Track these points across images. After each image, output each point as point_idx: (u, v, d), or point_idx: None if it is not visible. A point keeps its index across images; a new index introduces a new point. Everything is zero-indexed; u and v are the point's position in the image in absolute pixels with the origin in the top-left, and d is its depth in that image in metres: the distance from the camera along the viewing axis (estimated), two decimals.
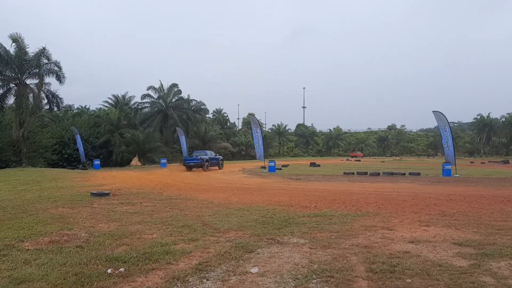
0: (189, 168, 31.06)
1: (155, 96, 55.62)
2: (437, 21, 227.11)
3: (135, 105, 57.99)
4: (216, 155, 35.81)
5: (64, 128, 45.30)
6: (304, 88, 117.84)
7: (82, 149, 39.57)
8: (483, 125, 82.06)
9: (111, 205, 10.85)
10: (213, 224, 8.03)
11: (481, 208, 10.29)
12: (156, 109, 55.28)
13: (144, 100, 56.11)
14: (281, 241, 6.49)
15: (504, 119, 79.32)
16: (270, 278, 4.62)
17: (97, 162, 36.71)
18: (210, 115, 77.81)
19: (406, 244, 6.27)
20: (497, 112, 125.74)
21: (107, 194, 13.10)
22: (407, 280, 4.48)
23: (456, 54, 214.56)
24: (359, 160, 57.62)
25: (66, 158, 41.97)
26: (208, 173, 27.46)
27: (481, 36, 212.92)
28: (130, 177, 23.05)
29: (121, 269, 4.89)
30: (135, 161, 44.37)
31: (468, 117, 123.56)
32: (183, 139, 44.49)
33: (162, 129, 54.21)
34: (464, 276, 4.60)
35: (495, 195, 13.37)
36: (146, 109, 56.40)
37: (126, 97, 59.76)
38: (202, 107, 61.67)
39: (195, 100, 60.93)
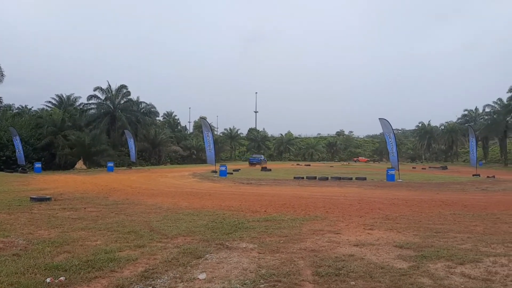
0: (253, 165, 49.66)
1: (103, 97, 53.72)
2: (384, 35, 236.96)
3: (81, 106, 55.75)
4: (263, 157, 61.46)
5: (2, 128, 42.70)
6: (256, 93, 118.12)
7: (22, 151, 37.48)
8: (424, 132, 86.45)
9: (52, 211, 10.37)
10: (161, 229, 7.89)
11: (421, 212, 10.83)
12: (103, 110, 53.40)
13: (90, 101, 53.97)
14: (230, 246, 6.49)
15: (443, 127, 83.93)
16: (218, 284, 4.61)
17: (38, 165, 34.88)
18: (160, 118, 76.54)
19: (351, 247, 6.48)
20: (436, 121, 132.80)
21: (48, 199, 12.50)
22: (351, 282, 4.63)
23: (400, 66, 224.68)
24: (309, 165, 58.79)
25: (4, 161, 39.54)
26: (158, 177, 26.92)
27: (422, 50, 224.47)
28: (74, 181, 22.15)
29: (62, 278, 4.68)
30: (79, 164, 42.69)
31: (411, 125, 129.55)
32: (131, 142, 43.43)
33: (110, 132, 52.51)
34: (404, 278, 4.81)
35: (434, 199, 14.11)
36: (93, 111, 54.32)
37: (71, 97, 57.27)
38: (152, 109, 60.38)
39: (145, 102, 59.58)
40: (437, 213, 10.56)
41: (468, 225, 8.75)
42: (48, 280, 4.61)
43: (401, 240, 7.05)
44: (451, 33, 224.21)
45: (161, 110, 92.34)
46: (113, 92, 53.99)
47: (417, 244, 6.70)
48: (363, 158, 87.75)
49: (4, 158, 39.77)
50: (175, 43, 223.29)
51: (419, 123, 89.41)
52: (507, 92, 56.55)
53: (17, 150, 37.69)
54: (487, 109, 63.91)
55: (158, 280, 4.72)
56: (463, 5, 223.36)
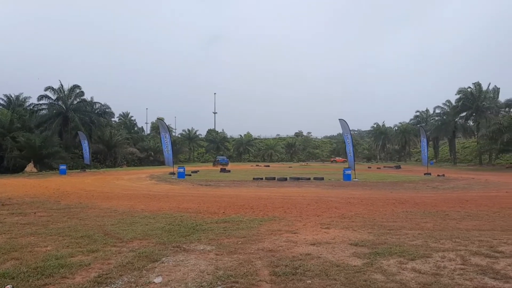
0: (223, 165, 50.05)
1: (54, 97, 51.59)
2: (343, 39, 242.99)
3: (31, 107, 53.30)
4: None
5: None
6: (215, 93, 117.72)
7: None
8: (379, 133, 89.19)
9: (0, 216, 9.85)
10: (115, 233, 7.68)
11: (375, 210, 11.15)
12: (55, 111, 51.26)
13: (41, 102, 51.60)
14: (187, 248, 6.41)
15: (396, 128, 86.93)
16: (174, 287, 4.54)
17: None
18: (116, 119, 74.57)
19: (308, 246, 6.56)
20: (391, 122, 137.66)
21: None
22: (308, 281, 4.69)
23: (357, 69, 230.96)
24: (268, 166, 59.17)
25: None
26: (113, 180, 26.21)
27: (377, 54, 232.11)
28: (24, 185, 21.16)
29: (8, 286, 4.47)
30: (30, 167, 40.78)
31: (366, 126, 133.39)
32: (85, 144, 42.05)
33: (62, 133, 50.55)
34: (358, 275, 4.93)
35: (387, 198, 14.58)
36: (44, 111, 52.03)
37: (21, 97, 54.64)
38: (107, 110, 58.61)
39: (99, 103, 57.77)
40: (390, 211, 10.91)
41: (419, 222, 9.10)
42: None
43: (356, 238, 7.22)
44: (403, 39, 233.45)
45: (117, 111, 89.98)
46: (65, 92, 51.99)
47: (371, 241, 6.89)
48: (340, 158, 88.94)
49: None
50: (132, 43, 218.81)
51: (374, 124, 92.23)
52: (456, 94, 59.45)
53: None
54: (437, 111, 66.91)
55: (112, 285, 4.60)
56: (413, 12, 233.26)
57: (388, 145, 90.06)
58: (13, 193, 16.05)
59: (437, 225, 8.71)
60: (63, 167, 35.61)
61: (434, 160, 66.72)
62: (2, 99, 54.16)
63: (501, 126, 47.08)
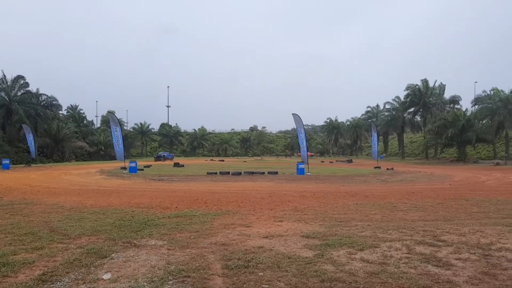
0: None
1: None
2: (294, 35, 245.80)
3: None
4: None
5: None
6: (168, 87, 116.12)
7: None
8: (332, 128, 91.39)
9: None
10: (62, 230, 7.37)
11: (327, 203, 11.42)
12: None
13: None
14: (138, 244, 6.27)
15: (348, 123, 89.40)
16: (124, 283, 4.42)
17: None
18: (64, 112, 71.53)
19: (261, 239, 6.61)
20: (343, 117, 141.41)
21: None
22: (260, 273, 4.71)
23: (310, 65, 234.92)
24: (223, 160, 59.06)
25: None
26: (61, 175, 25.18)
27: (330, 50, 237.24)
28: None
29: None
30: None
31: (320, 121, 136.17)
32: (30, 138, 40.14)
33: (5, 126, 47.94)
34: (309, 266, 5.02)
35: (339, 191, 14.98)
36: None
37: None
38: (54, 102, 56.15)
39: (45, 95, 55.24)
40: (341, 204, 11.20)
41: (368, 213, 9.41)
42: None
43: (308, 230, 7.35)
44: (353, 35, 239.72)
45: (65, 103, 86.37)
46: (8, 83, 49.29)
47: (322, 233, 7.04)
48: (310, 152, 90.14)
49: None
50: (82, 36, 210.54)
51: (327, 119, 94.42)
52: (404, 90, 61.96)
53: None
54: (387, 106, 69.54)
55: (58, 283, 4.41)
56: (361, 9, 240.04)
57: (340, 139, 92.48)
58: None
59: (385, 216, 9.04)
60: (6, 161, 33.81)
61: (384, 154, 69.35)
62: None
63: (446, 121, 49.69)
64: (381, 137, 67.57)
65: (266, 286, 4.28)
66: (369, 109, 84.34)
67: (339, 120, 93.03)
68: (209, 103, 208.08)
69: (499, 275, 4.70)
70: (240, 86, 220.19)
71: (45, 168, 35.28)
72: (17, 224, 7.92)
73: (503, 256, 5.54)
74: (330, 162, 54.28)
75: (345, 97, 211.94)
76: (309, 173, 25.80)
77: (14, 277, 4.60)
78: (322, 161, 55.20)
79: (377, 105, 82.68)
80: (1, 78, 48.96)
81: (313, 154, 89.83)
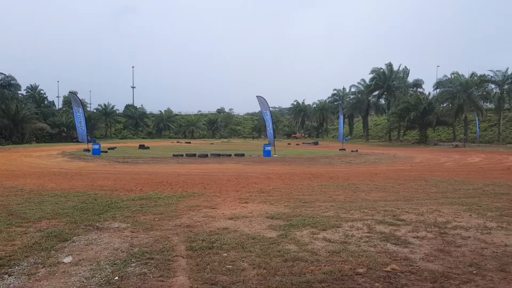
0: None
1: None
2: (259, 17, 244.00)
3: None
4: None
5: None
6: (133, 67, 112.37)
7: None
8: (299, 110, 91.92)
9: None
10: (21, 213, 7.16)
11: (292, 184, 11.57)
12: None
13: None
14: (101, 227, 6.18)
15: (315, 106, 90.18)
16: (85, 266, 4.37)
17: None
18: (23, 92, 68.61)
19: (226, 221, 6.65)
20: (310, 99, 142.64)
21: None
22: (224, 254, 4.76)
23: (276, 47, 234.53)
24: (189, 143, 58.56)
25: None
26: (20, 157, 24.28)
27: (294, 32, 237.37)
28: None
29: None
30: None
31: (287, 103, 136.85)
32: None
33: None
34: (273, 246, 5.10)
35: (304, 173, 15.19)
36: None
37: None
38: (12, 82, 53.69)
39: (3, 74, 52.70)
40: (306, 185, 11.39)
41: (332, 194, 9.61)
42: None
43: (272, 211, 7.45)
44: (317, 17, 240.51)
45: (24, 83, 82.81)
46: None
47: (286, 214, 7.15)
48: (299, 134, 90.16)
49: None
50: (40, 13, 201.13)
51: (294, 101, 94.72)
52: (370, 74, 63.03)
53: None
54: (353, 89, 70.42)
55: (16, 267, 4.32)
56: None
57: (307, 122, 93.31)
58: None
59: (348, 197, 9.27)
60: None
61: (349, 137, 70.68)
62: None
63: (408, 104, 50.98)
64: (346, 120, 68.68)
65: (230, 266, 4.33)
66: (335, 91, 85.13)
67: (306, 103, 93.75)
68: (176, 85, 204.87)
69: (454, 252, 4.94)
70: (208, 67, 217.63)
71: (3, 150, 33.90)
72: None
73: (458, 234, 5.82)
74: (296, 144, 54.78)
75: (313, 80, 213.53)
76: (275, 155, 25.99)
77: None
78: (288, 144, 55.67)
79: (343, 88, 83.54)
80: None
81: (305, 135, 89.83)
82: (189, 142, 59.17)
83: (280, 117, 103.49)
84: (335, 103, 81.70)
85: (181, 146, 45.54)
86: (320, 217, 6.90)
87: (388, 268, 4.30)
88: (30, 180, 12.30)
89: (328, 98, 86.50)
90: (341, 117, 42.22)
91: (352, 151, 32.15)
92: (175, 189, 10.41)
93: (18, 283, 3.90)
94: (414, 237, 5.62)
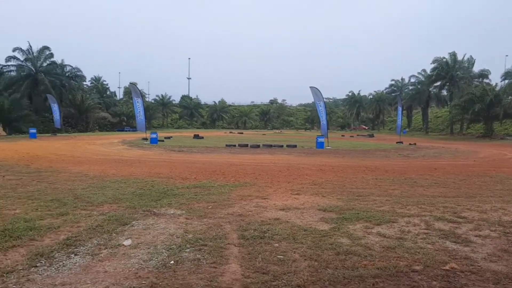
0: None
1: (23, 58, 49.60)
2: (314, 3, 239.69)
3: None
4: None
5: None
6: (189, 58, 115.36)
7: None
8: (354, 101, 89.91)
9: None
10: (86, 197, 7.60)
11: (346, 177, 11.37)
12: (23, 73, 49.46)
13: (9, 63, 49.52)
14: (158, 212, 6.42)
15: (371, 96, 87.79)
16: (143, 249, 4.56)
17: None
18: (88, 83, 72.47)
19: (277, 211, 6.66)
20: (366, 90, 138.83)
21: None
22: (275, 244, 4.78)
23: (332, 37, 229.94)
24: (242, 133, 59.17)
25: None
26: (85, 145, 25.73)
27: (352, 21, 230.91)
28: None
29: None
30: None
31: (341, 94, 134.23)
32: (55, 108, 40.89)
33: (32, 96, 48.93)
34: (324, 239, 5.05)
35: (358, 165, 14.88)
36: (12, 73, 50.16)
37: None
38: (78, 73, 56.75)
39: (70, 66, 55.81)
40: (360, 178, 11.15)
41: (387, 188, 9.34)
42: None
43: (325, 204, 7.37)
44: (375, 5, 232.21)
45: (89, 74, 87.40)
46: (34, 54, 49.99)
47: (339, 207, 7.04)
48: (364, 126, 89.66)
49: None
50: (103, 5, 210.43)
51: (349, 92, 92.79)
52: (431, 63, 60.13)
53: None
54: (412, 80, 67.75)
55: (81, 248, 4.59)
56: None
57: (362, 113, 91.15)
58: None
59: (404, 191, 8.96)
60: (32, 130, 34.66)
61: (407, 129, 68.24)
62: None
63: (473, 96, 48.13)
64: (404, 112, 66.25)
65: (281, 256, 4.35)
66: (393, 82, 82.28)
67: (362, 94, 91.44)
68: (230, 76, 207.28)
69: None
70: (262, 59, 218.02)
71: (69, 137, 36.09)
72: (44, 191, 8.19)
73: None
74: (350, 136, 53.71)
75: (369, 70, 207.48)
76: (328, 147, 25.67)
77: (40, 241, 4.80)
78: (342, 135, 54.71)
79: (402, 79, 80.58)
80: (28, 49, 49.64)
81: (366, 127, 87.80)
82: (242, 133, 59.83)
83: (334, 108, 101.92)
84: (393, 94, 79.11)
85: (234, 136, 46.17)
86: (374, 211, 6.74)
87: (447, 267, 4.12)
88: (93, 167, 13.00)
89: (386, 89, 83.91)
90: (399, 108, 40.73)
91: (410, 144, 31.05)
92: (227, 179, 10.58)
93: (83, 262, 4.15)
94: (476, 236, 5.34)
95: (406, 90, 73.00)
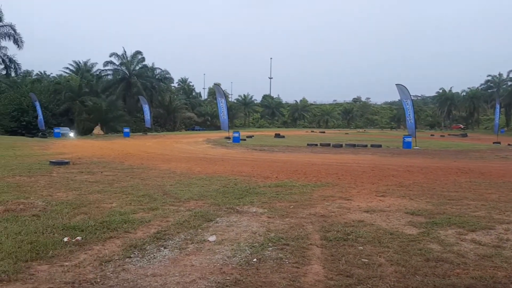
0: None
1: (118, 63, 53.81)
2: None
3: (97, 72, 56.07)
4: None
5: (23, 94, 43.38)
6: (271, 58, 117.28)
7: (42, 117, 37.97)
8: (445, 98, 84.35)
9: (71, 174, 10.57)
10: (173, 193, 7.98)
11: (436, 179, 10.70)
12: (119, 76, 53.65)
13: (106, 67, 54.23)
14: (241, 210, 6.54)
15: (464, 93, 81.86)
16: (227, 246, 4.66)
17: (57, 130, 35.41)
18: (175, 84, 76.52)
19: (361, 213, 6.46)
20: (458, 87, 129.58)
21: (67, 163, 12.74)
22: (359, 247, 4.62)
23: (419, 30, 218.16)
24: (323, 132, 58.45)
25: (25, 126, 40.46)
26: (172, 143, 27.16)
27: (439, 11, 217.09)
28: (92, 146, 22.51)
29: (78, 238, 4.80)
30: (97, 130, 43.25)
31: (431, 91, 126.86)
32: (146, 108, 43.59)
33: (125, 98, 52.87)
34: (413, 244, 4.78)
35: (450, 167, 13.92)
36: (109, 77, 54.67)
37: (88, 63, 57.85)
38: (167, 75, 60.32)
39: (160, 69, 59.49)
40: (452, 181, 10.42)
41: (483, 192, 8.61)
42: (65, 239, 4.74)
43: (413, 207, 6.99)
44: None
45: (176, 76, 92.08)
46: (128, 58, 53.95)
47: (429, 211, 6.64)
48: (459, 125, 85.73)
49: (25, 123, 40.65)
50: (186, 11, 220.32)
51: (440, 89, 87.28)
52: None
53: (39, 116, 38.06)
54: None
55: (170, 241, 4.81)
56: None
57: (454, 111, 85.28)
58: (82, 154, 17.11)
59: (503, 196, 8.19)
60: (126, 130, 37.32)
61: (505, 128, 62.55)
62: (72, 65, 57.53)
63: None
64: (502, 110, 60.78)
65: (366, 260, 4.19)
66: (489, 78, 75.72)
67: (453, 91, 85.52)
68: (311, 75, 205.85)
69: None
70: (344, 56, 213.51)
71: (159, 136, 38.32)
72: (136, 186, 8.75)
73: None
74: (441, 135, 50.49)
75: (461, 66, 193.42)
76: (416, 147, 24.39)
77: (133, 233, 5.13)
78: (432, 135, 51.65)
79: (499, 74, 73.87)
80: (122, 54, 53.73)
81: (462, 126, 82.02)
82: (323, 132, 59.05)
83: (422, 106, 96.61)
84: (489, 90, 72.96)
85: (315, 135, 45.76)
86: (468, 216, 6.24)
87: None
88: (180, 164, 13.65)
89: (481, 85, 77.64)
90: (497, 106, 37.53)
91: (508, 144, 28.39)
92: (309, 178, 10.49)
93: (172, 255, 4.35)
94: None
95: (504, 86, 66.93)
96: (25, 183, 9.08)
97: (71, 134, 36.17)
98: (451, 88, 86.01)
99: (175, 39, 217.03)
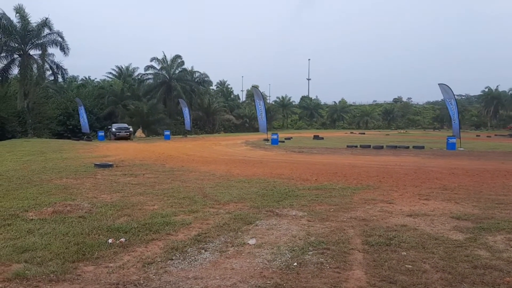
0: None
1: (158, 67, 55.16)
2: None
3: (139, 77, 57.71)
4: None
5: (69, 99, 45.37)
6: (309, 59, 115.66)
7: (86, 120, 39.49)
8: (491, 98, 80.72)
9: (114, 176, 10.91)
10: (213, 196, 8.09)
11: (482, 182, 10.28)
12: (159, 80, 54.96)
13: (147, 72, 55.63)
14: (280, 213, 6.55)
15: None
16: (267, 249, 4.68)
17: (101, 133, 36.69)
18: (213, 87, 77.36)
19: (404, 217, 6.31)
20: (505, 85, 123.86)
21: (111, 166, 13.14)
22: (403, 253, 4.52)
23: (462, 27, 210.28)
24: (363, 133, 57.41)
25: (71, 129, 42.20)
26: (211, 145, 27.50)
27: (486, 9, 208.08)
28: (134, 149, 23.12)
29: (122, 239, 4.97)
30: (139, 132, 44.46)
31: (476, 90, 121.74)
32: (186, 111, 44.34)
33: (166, 101, 54.05)
34: (459, 250, 4.63)
35: (498, 169, 13.32)
36: (150, 81, 56.10)
37: (130, 68, 59.61)
38: (205, 79, 61.11)
39: (199, 72, 60.39)
40: (500, 184, 9.97)
41: None
42: (110, 240, 4.93)
43: (458, 211, 6.75)
44: None
45: (214, 79, 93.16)
46: (168, 62, 55.20)
47: (476, 215, 6.40)
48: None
49: (71, 126, 42.41)
50: (228, 14, 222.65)
51: (486, 88, 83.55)
52: None
53: (82, 119, 39.71)
54: None
55: (210, 244, 4.88)
56: None
57: (501, 111, 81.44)
58: (125, 156, 17.62)
59: None
60: (167, 132, 38.09)
61: None
62: (114, 70, 59.56)
63: None
64: None
65: (410, 266, 4.09)
66: None
67: (500, 89, 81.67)
68: (350, 75, 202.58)
69: None
70: (384, 55, 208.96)
71: (198, 139, 38.89)
72: (177, 189, 8.93)
73: None
74: (487, 136, 48.37)
75: (509, 63, 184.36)
76: (461, 148, 23.50)
77: (175, 235, 5.25)
78: (477, 135, 49.58)
79: None
80: (162, 58, 55.03)
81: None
82: (363, 133, 57.96)
83: (467, 106, 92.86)
84: None
85: (355, 136, 45.02)
86: None
87: None
88: (219, 166, 13.80)
89: None
90: None
91: None
92: (349, 181, 10.34)
93: (212, 258, 4.42)
94: None
95: None
96: (71, 185, 9.46)
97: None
98: (497, 86, 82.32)
99: (213, 42, 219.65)
